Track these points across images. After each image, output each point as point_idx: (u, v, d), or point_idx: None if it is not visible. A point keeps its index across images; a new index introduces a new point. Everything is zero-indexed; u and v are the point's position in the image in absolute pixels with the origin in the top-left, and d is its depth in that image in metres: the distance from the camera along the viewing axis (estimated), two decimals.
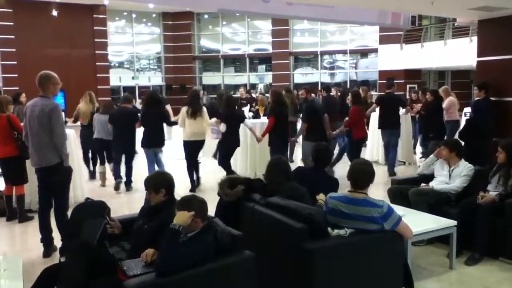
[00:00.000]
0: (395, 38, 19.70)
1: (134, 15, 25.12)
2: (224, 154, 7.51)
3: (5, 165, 5.81)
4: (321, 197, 3.87)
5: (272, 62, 24.64)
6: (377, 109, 8.86)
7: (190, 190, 7.21)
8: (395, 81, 11.36)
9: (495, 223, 4.33)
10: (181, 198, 3.07)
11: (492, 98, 7.45)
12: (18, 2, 20.15)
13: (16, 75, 19.51)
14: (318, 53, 24.22)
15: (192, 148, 7.45)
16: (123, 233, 3.48)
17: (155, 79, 26.05)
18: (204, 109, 7.60)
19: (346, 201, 3.40)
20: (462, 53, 15.82)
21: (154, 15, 25.79)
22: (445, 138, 7.93)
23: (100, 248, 3.19)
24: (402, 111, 8.87)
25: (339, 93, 11.45)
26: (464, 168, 4.89)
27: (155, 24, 26.11)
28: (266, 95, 12.62)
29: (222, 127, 7.34)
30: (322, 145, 4.79)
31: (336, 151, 8.65)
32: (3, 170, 5.92)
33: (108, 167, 7.98)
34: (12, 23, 20.26)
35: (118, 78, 24.46)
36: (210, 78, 27.21)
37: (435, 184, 4.94)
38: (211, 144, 9.22)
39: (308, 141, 7.18)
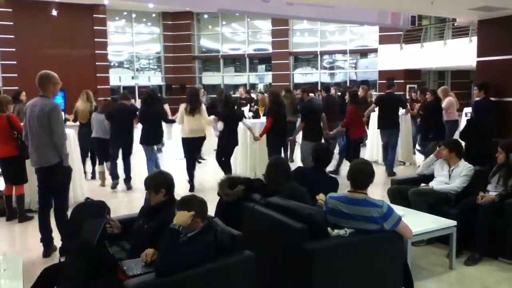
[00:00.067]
0: (395, 38, 19.71)
1: (134, 15, 25.09)
2: (222, 152, 7.53)
3: (5, 165, 5.81)
4: (321, 197, 3.87)
5: (272, 62, 24.62)
6: (377, 109, 8.86)
7: (190, 190, 7.22)
8: (395, 81, 11.35)
9: (495, 223, 4.34)
10: (181, 198, 3.07)
11: (492, 98, 7.45)
12: (18, 2, 20.11)
13: (16, 75, 19.47)
14: (318, 53, 24.21)
15: (191, 145, 7.46)
16: (123, 233, 3.48)
17: (155, 79, 26.03)
18: (203, 106, 7.64)
19: (346, 201, 3.40)
20: (462, 53, 15.83)
21: (154, 15, 25.77)
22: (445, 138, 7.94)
23: (100, 248, 3.19)
24: (402, 111, 8.86)
25: (338, 93, 11.45)
26: (464, 168, 4.89)
27: (155, 24, 26.09)
28: (265, 95, 12.61)
29: (220, 125, 7.36)
30: (322, 145, 4.81)
31: (336, 151, 8.64)
32: (3, 170, 5.92)
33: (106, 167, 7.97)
34: (12, 23, 20.21)
35: (118, 78, 24.43)
36: (210, 78, 27.19)
37: (435, 184, 4.94)
38: (213, 142, 9.20)
39: (307, 141, 7.20)
